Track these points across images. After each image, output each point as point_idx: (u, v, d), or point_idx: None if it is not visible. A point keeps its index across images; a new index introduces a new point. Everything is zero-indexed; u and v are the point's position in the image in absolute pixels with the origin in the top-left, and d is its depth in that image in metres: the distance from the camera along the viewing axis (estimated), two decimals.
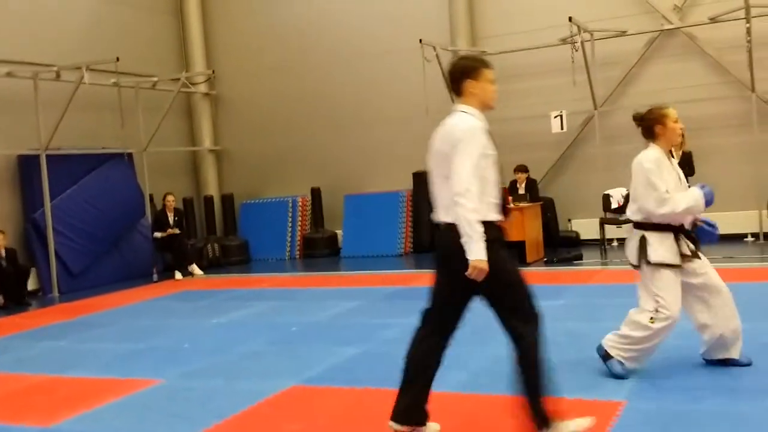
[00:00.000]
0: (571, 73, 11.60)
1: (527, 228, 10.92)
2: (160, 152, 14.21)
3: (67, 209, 11.89)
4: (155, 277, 12.16)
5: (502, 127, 13.18)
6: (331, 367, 5.71)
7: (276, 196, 14.89)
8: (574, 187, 12.79)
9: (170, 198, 12.54)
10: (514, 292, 3.80)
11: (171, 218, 12.49)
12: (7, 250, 10.81)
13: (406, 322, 7.02)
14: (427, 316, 4.00)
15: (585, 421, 3.88)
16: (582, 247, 11.97)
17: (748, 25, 11.00)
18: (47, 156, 11.58)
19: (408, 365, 3.99)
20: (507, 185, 11.75)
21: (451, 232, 3.72)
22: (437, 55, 12.28)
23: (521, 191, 11.65)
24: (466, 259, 3.64)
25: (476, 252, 3.62)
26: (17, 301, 10.54)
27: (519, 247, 11.14)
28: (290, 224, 14.46)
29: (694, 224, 4.95)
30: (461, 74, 3.94)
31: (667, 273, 4.75)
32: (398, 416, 3.98)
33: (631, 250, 4.93)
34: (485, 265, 3.63)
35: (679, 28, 12.00)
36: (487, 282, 3.69)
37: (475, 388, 4.91)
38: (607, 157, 12.17)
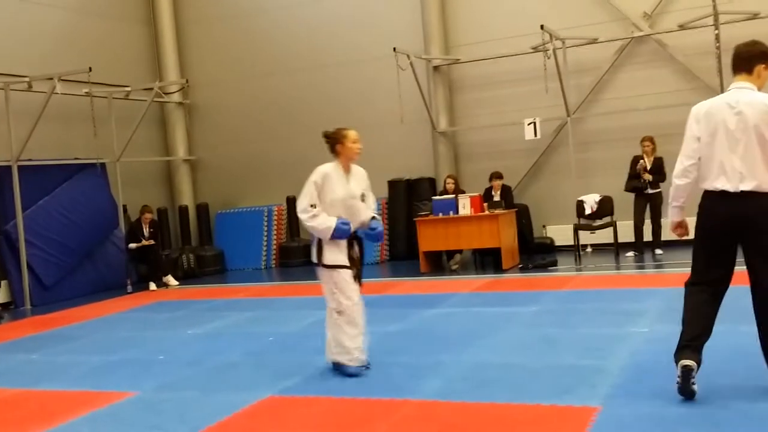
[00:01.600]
0: (543, 81, 11.70)
1: (502, 235, 10.98)
2: (134, 162, 14.12)
3: (39, 220, 11.77)
4: (129, 288, 12.06)
5: (476, 135, 13.38)
6: (308, 377, 5.70)
7: (251, 205, 14.85)
8: (548, 194, 12.89)
9: (148, 215, 12.46)
10: None
11: (146, 230, 12.40)
12: None
13: (382, 331, 7.05)
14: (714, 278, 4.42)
15: None
16: (556, 253, 12.04)
17: (717, 31, 11.16)
18: (19, 167, 11.46)
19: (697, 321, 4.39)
20: (482, 192, 11.81)
21: None
22: (411, 63, 12.33)
23: (496, 198, 11.70)
24: None
25: None
26: None
27: (494, 254, 11.23)
28: (266, 233, 14.42)
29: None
30: (758, 56, 4.33)
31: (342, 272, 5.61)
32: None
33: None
34: None
35: (649, 35, 12.16)
36: None
37: (451, 396, 4.92)
38: (580, 163, 12.28)
